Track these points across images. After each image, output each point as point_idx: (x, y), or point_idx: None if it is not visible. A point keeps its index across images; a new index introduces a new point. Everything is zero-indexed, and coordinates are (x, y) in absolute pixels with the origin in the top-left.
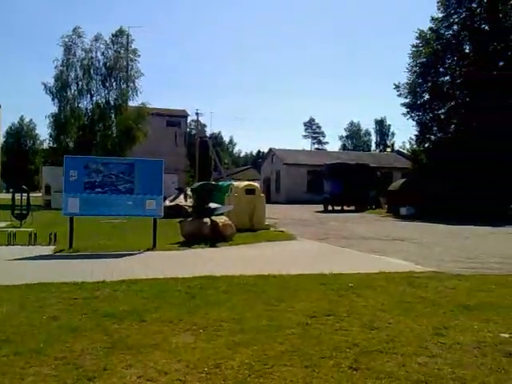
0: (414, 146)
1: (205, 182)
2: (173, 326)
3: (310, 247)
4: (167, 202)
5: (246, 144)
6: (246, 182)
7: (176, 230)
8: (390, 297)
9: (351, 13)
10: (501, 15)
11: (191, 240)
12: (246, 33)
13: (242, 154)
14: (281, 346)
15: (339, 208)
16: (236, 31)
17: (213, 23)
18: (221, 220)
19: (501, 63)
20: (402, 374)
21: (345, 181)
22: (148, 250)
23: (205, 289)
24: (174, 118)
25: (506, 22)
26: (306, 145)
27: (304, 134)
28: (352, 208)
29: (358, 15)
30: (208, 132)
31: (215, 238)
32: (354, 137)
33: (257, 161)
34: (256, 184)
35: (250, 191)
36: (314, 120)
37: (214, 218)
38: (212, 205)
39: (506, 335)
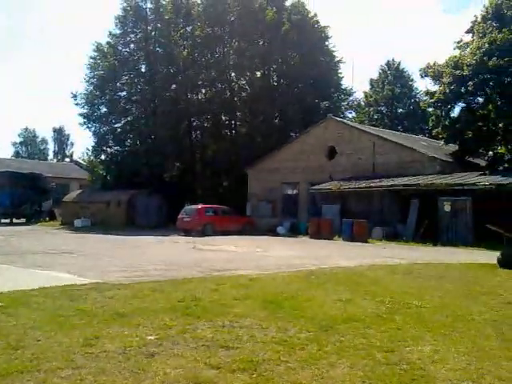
0: (92, 157)
1: None
2: None
3: None
4: None
5: None
6: None
7: None
8: (46, 313)
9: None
10: (173, 41)
11: None
12: None
13: None
14: None
15: (7, 221)
16: None
17: None
18: None
19: (173, 86)
20: None
21: (15, 191)
22: None
23: None
24: None
25: (177, 49)
26: None
27: None
28: (23, 220)
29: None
30: None
31: None
32: (30, 144)
33: None
34: None
35: None
36: None
37: None
38: None
39: (152, 337)
